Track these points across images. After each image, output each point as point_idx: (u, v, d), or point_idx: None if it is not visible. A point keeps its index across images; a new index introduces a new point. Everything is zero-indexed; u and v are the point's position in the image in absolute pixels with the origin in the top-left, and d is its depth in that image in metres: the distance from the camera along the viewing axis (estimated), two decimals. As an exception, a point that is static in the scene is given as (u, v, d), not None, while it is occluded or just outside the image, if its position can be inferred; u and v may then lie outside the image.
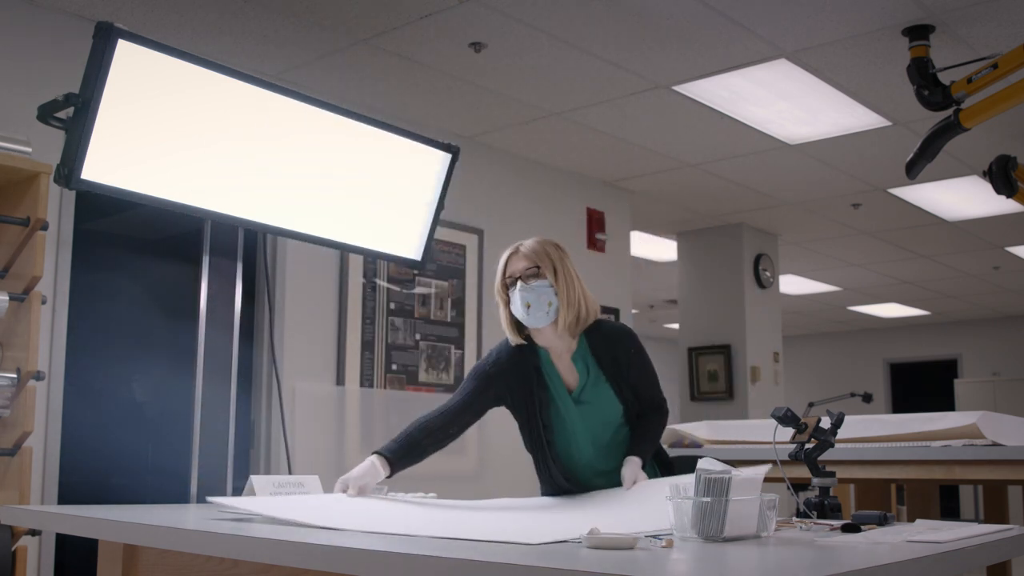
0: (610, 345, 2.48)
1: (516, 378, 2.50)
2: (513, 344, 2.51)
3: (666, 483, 1.95)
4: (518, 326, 2.48)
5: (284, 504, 2.08)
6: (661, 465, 2.54)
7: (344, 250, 4.35)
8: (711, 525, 1.55)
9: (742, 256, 7.60)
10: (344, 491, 2.28)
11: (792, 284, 9.85)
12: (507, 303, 2.47)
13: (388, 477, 2.35)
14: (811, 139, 5.63)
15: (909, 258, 8.80)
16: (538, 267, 2.42)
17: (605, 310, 4.11)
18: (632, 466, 2.34)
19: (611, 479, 2.41)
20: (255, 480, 2.32)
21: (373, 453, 2.36)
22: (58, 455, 3.80)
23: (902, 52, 4.25)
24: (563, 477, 2.47)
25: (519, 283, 2.42)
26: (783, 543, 1.55)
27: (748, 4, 3.96)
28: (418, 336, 5.20)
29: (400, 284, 5.14)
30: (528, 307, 2.40)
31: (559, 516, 2.09)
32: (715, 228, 7.71)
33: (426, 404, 5.15)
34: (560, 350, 2.48)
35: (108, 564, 2.09)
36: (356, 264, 4.95)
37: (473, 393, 2.52)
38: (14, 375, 3.10)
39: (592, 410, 2.47)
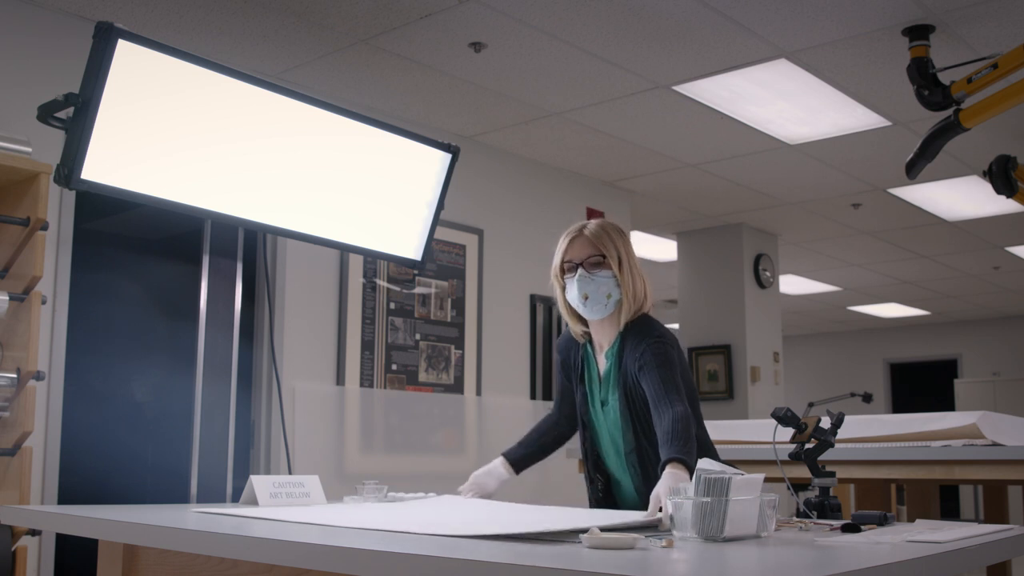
0: (632, 344, 2.23)
1: (570, 369, 2.40)
2: (572, 332, 2.35)
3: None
4: (576, 314, 2.31)
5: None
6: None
7: (344, 250, 4.35)
8: (711, 525, 1.55)
9: (742, 256, 7.60)
10: (468, 488, 2.37)
11: (792, 284, 9.85)
12: (564, 289, 2.29)
13: (516, 474, 2.40)
14: (811, 139, 5.63)
15: (909, 258, 8.80)
16: (603, 256, 2.22)
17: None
18: (660, 483, 1.90)
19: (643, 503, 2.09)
20: (255, 480, 2.32)
21: (501, 455, 2.43)
22: (58, 455, 3.80)
23: (902, 52, 4.25)
24: (602, 483, 2.32)
25: (579, 270, 2.22)
26: (783, 543, 1.55)
27: (748, 4, 3.96)
28: (418, 336, 5.20)
29: (400, 284, 5.14)
30: (586, 298, 2.22)
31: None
32: (715, 228, 7.71)
33: (426, 404, 5.21)
34: (603, 343, 2.30)
35: (108, 564, 2.09)
36: (356, 264, 4.95)
37: (561, 384, 2.45)
38: (14, 375, 3.10)
39: (608, 416, 2.30)
